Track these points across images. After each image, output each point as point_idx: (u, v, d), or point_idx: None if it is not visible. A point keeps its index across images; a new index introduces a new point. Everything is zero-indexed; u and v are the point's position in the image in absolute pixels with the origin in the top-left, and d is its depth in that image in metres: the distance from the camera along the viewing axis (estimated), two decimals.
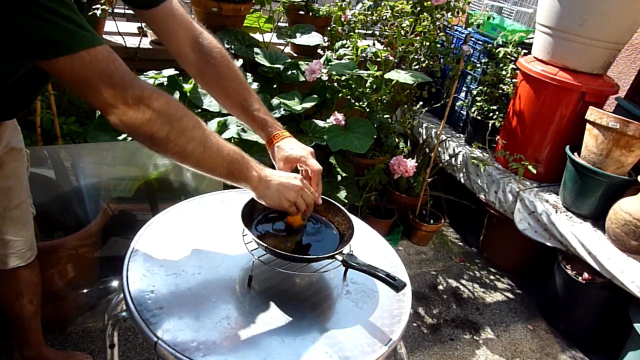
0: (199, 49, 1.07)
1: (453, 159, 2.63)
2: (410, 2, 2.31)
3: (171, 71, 2.06)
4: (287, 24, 2.65)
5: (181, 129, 0.82)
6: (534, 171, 2.25)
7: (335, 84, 2.38)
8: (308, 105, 2.17)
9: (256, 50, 2.24)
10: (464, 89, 2.72)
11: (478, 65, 2.54)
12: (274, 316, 0.93)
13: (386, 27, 2.62)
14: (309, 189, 1.01)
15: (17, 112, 1.12)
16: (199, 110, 2.11)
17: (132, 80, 0.77)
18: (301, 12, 2.59)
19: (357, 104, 2.38)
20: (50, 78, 1.12)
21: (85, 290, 1.80)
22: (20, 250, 1.27)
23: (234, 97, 1.09)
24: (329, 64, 2.37)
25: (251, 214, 1.06)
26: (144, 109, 0.78)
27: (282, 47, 2.55)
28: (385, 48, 2.61)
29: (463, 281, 2.47)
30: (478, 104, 2.53)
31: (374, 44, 2.69)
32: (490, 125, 2.46)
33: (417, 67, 2.51)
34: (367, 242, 1.22)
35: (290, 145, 1.08)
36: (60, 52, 0.71)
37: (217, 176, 0.91)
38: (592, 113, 2.00)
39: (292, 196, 0.98)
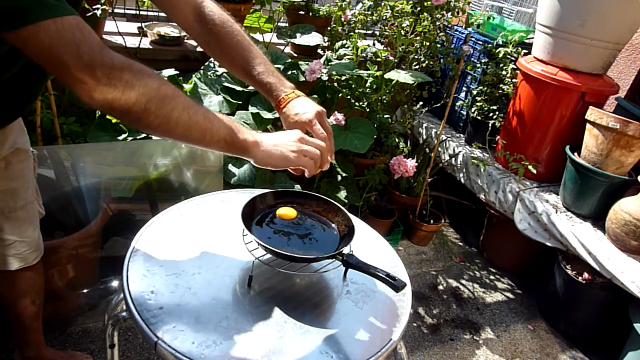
0: (201, 18, 1.04)
1: (453, 159, 2.63)
2: (410, 2, 2.31)
3: (171, 71, 2.06)
4: (287, 24, 2.65)
5: (160, 97, 0.76)
6: (534, 171, 2.25)
7: (335, 84, 2.38)
8: None
9: None
10: (464, 89, 2.72)
11: (478, 65, 2.54)
12: (274, 316, 0.93)
13: (386, 27, 2.62)
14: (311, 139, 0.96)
15: (20, 112, 1.12)
16: None
17: (100, 51, 0.72)
18: (301, 12, 2.59)
19: (357, 104, 2.38)
20: (49, 76, 1.12)
21: (85, 290, 1.80)
22: (24, 251, 1.27)
23: (238, 63, 1.05)
24: (329, 64, 2.37)
25: (251, 214, 1.06)
26: (116, 82, 0.72)
27: (282, 47, 2.55)
28: (385, 48, 2.61)
29: (463, 281, 2.47)
30: (478, 104, 2.53)
31: (374, 44, 2.69)
32: (490, 125, 2.46)
33: (417, 67, 2.51)
34: (367, 242, 1.22)
35: (295, 110, 1.02)
36: (25, 21, 0.67)
37: (209, 146, 0.86)
38: (592, 113, 2.00)
39: (295, 146, 0.92)
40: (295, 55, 2.58)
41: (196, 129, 0.82)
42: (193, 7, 1.05)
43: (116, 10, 2.39)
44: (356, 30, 2.63)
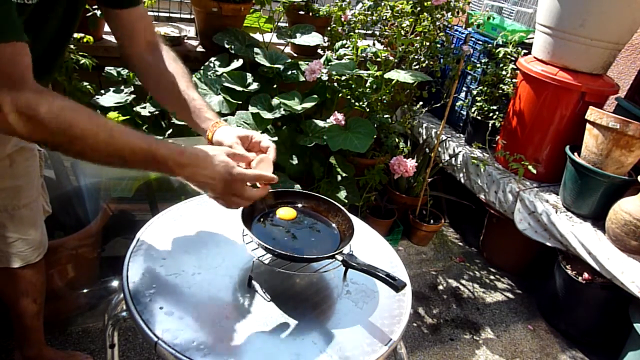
0: (152, 50, 1.08)
1: (453, 159, 2.63)
2: (410, 2, 2.31)
3: None
4: (287, 24, 2.65)
5: (71, 138, 0.78)
6: (534, 171, 2.25)
7: (335, 84, 2.38)
8: (308, 105, 2.17)
9: (256, 50, 2.24)
10: (464, 89, 2.72)
11: (478, 65, 2.54)
12: (273, 316, 0.93)
13: (386, 27, 2.62)
14: (245, 178, 0.90)
15: None
16: None
17: (22, 85, 0.74)
18: (301, 12, 2.59)
19: (357, 104, 2.38)
20: (51, 78, 1.12)
21: (85, 290, 1.80)
22: (26, 249, 1.27)
23: (180, 92, 1.07)
24: (329, 64, 2.37)
25: (251, 214, 1.06)
26: (31, 118, 0.74)
27: (282, 47, 2.55)
28: (385, 48, 2.61)
29: (463, 281, 2.47)
30: (478, 104, 2.53)
31: (374, 44, 2.69)
32: (490, 125, 2.46)
33: (417, 67, 2.51)
34: (367, 242, 1.22)
35: (236, 128, 1.05)
36: None
37: (129, 169, 0.88)
38: (592, 113, 2.00)
39: (217, 198, 0.92)
40: (295, 55, 2.58)
41: (109, 163, 0.84)
42: (149, 40, 1.08)
43: None
44: (356, 30, 2.63)
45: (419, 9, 2.31)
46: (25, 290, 1.35)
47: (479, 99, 2.53)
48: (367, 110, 2.38)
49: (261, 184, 0.95)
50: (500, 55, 2.40)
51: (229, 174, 0.88)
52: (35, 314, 1.41)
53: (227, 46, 2.21)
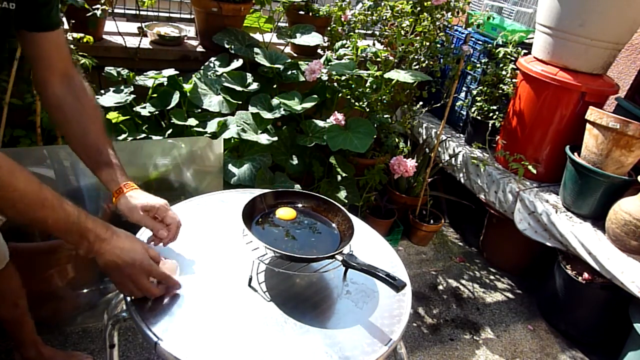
0: (68, 82, 1.04)
1: (453, 159, 2.63)
2: (410, 2, 2.31)
3: (171, 71, 2.06)
4: (287, 24, 2.65)
5: (4, 198, 0.77)
6: (534, 171, 2.25)
7: (335, 84, 2.38)
8: (308, 105, 2.17)
9: (256, 50, 2.24)
10: (464, 89, 2.72)
11: (478, 65, 2.54)
12: (273, 316, 0.93)
13: (386, 27, 2.62)
14: (152, 273, 0.91)
15: None
16: (199, 110, 2.12)
17: None
18: (301, 12, 2.59)
19: (357, 104, 2.38)
20: None
21: (85, 290, 1.80)
22: None
23: (91, 137, 1.04)
24: (329, 64, 2.37)
25: (251, 214, 1.06)
26: None
27: (282, 47, 2.55)
28: (385, 48, 2.61)
29: (463, 281, 2.47)
30: (478, 104, 2.53)
31: (374, 44, 2.69)
32: (490, 125, 2.46)
33: (417, 67, 2.51)
34: (367, 242, 1.22)
35: (145, 196, 1.02)
36: None
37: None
38: (592, 113, 2.00)
39: (124, 281, 0.90)
40: (295, 55, 2.58)
41: (31, 223, 0.85)
42: (65, 69, 1.04)
43: (116, 10, 2.39)
44: (356, 30, 2.63)
45: (419, 9, 2.31)
46: (1, 296, 1.33)
47: (479, 99, 2.53)
48: (367, 110, 2.38)
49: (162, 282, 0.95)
50: (500, 55, 2.40)
51: (140, 261, 0.89)
52: (20, 316, 1.40)
53: (227, 46, 2.21)
